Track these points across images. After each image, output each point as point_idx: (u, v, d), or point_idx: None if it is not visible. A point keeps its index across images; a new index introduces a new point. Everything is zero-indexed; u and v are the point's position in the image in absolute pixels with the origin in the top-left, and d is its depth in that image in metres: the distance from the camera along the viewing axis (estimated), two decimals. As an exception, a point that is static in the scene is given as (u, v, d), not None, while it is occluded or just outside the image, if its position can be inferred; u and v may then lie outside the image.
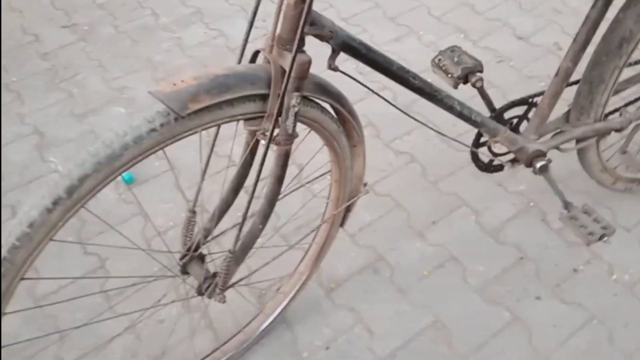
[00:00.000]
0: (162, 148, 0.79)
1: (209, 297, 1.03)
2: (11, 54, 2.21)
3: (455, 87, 1.18)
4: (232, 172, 1.12)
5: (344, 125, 1.06)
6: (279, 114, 0.86)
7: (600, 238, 1.23)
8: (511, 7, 2.25)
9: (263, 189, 1.00)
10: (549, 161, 1.23)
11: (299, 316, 1.41)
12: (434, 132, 1.80)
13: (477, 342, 1.34)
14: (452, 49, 1.23)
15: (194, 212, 1.03)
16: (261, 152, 0.93)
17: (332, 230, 1.30)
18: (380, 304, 1.42)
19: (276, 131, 0.90)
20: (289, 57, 0.84)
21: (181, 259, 1.05)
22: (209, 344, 1.35)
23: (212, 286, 1.01)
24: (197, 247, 1.06)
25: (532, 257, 1.49)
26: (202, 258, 1.07)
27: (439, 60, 1.22)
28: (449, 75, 1.18)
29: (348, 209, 1.26)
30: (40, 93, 2.06)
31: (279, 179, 0.95)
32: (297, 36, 0.80)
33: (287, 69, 0.83)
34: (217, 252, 1.10)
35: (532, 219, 1.57)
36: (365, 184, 1.23)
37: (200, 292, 1.03)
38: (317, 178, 1.32)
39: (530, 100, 1.23)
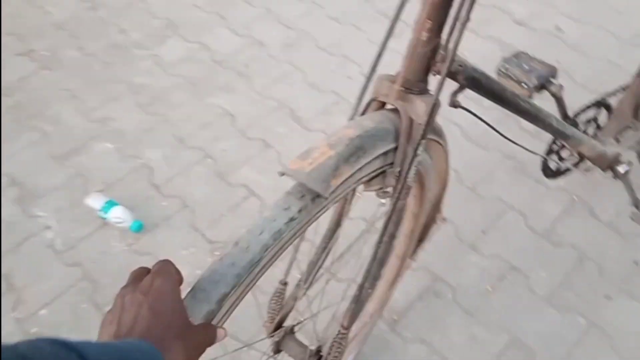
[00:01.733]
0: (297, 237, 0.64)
1: (316, 377, 0.89)
2: (-38, 93, 1.93)
3: (530, 97, 1.08)
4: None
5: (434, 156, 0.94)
6: (409, 167, 0.73)
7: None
8: (502, -10, 2.18)
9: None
10: (631, 164, 1.17)
11: (367, 358, 1.29)
12: (459, 135, 1.73)
13: (561, 356, 1.28)
14: (517, 55, 1.14)
15: (285, 284, 0.88)
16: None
17: (403, 265, 1.19)
18: (451, 330, 1.33)
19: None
20: (417, 101, 0.71)
21: (271, 334, 0.90)
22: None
23: (321, 365, 0.87)
24: (285, 319, 0.92)
25: (591, 256, 1.44)
26: (292, 331, 0.93)
27: (506, 69, 1.11)
28: (523, 86, 1.08)
29: (420, 241, 1.15)
30: (8, 136, 1.80)
31: (393, 236, 0.82)
32: (443, 76, 0.67)
33: (424, 115, 0.70)
34: (311, 320, 0.96)
35: (580, 214, 1.52)
36: (440, 213, 1.12)
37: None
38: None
39: (603, 102, 1.15)
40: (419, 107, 0.70)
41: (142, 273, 0.51)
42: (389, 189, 0.75)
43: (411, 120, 0.71)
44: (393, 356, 1.29)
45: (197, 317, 0.55)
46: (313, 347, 0.89)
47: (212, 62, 1.99)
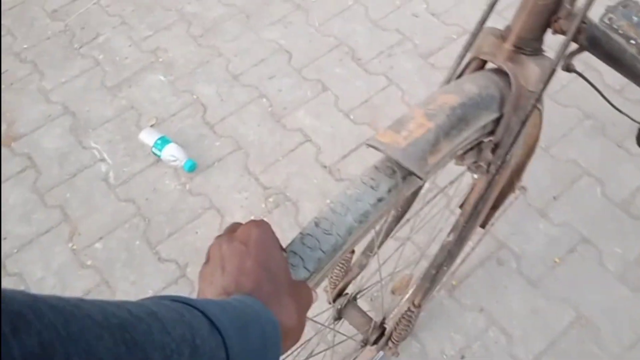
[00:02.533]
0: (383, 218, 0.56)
1: (379, 349, 0.84)
2: (13, 13, 1.87)
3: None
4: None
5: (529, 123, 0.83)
6: (513, 141, 0.63)
7: None
8: None
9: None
10: None
11: (422, 322, 1.24)
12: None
13: (630, 338, 1.20)
14: (625, 4, 0.98)
15: (352, 251, 0.82)
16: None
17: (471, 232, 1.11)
18: (512, 300, 1.26)
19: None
20: (529, 64, 0.60)
21: (334, 300, 0.85)
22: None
23: (385, 339, 0.82)
24: (348, 286, 0.86)
25: (673, 233, 1.32)
26: (355, 298, 0.87)
27: (611, 20, 0.96)
28: (631, 42, 0.94)
29: (493, 208, 1.06)
30: (60, 62, 1.75)
31: (479, 213, 0.74)
32: (570, 35, 0.56)
33: (538, 82, 0.59)
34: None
35: (665, 186, 1.39)
36: (520, 181, 1.02)
37: (366, 343, 0.84)
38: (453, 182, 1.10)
39: None
40: (531, 72, 0.60)
41: (236, 226, 0.46)
42: (483, 163, 0.66)
43: (520, 86, 0.60)
44: (449, 321, 1.24)
45: None
46: (378, 319, 0.84)
47: (270, -9, 1.86)
